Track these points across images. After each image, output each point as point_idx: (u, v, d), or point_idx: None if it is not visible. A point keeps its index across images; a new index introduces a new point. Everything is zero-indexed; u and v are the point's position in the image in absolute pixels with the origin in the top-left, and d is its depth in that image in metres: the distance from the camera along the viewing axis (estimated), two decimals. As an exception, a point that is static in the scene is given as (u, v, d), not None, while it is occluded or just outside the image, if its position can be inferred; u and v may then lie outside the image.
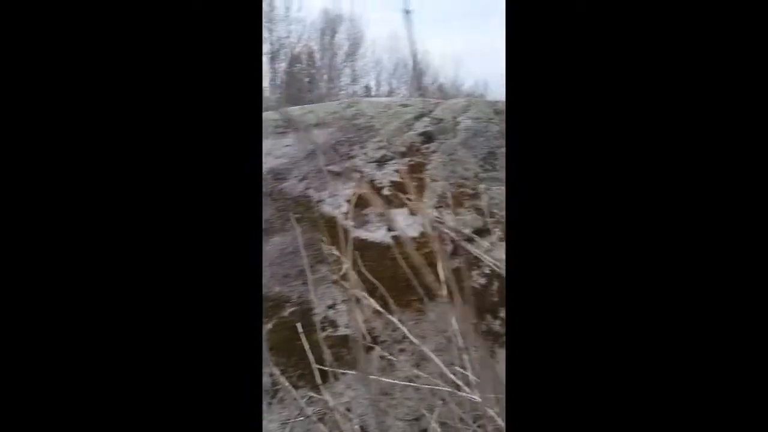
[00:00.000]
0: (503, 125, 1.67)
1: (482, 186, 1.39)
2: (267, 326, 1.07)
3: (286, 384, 0.83)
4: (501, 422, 0.75)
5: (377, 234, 1.26)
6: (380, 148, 1.53)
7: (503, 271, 1.08)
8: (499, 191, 1.38)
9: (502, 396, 0.82)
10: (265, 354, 0.94)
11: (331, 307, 1.13)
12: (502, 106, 1.82)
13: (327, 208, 1.34)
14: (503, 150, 1.55)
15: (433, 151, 1.53)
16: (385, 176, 1.43)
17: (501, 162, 1.50)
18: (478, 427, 0.73)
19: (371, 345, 0.90)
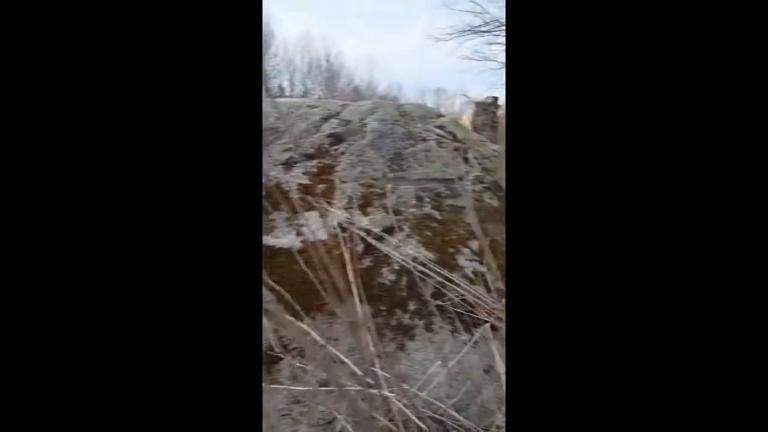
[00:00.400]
0: (409, 126, 1.74)
1: (389, 186, 1.43)
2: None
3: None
4: (410, 413, 0.77)
5: (286, 239, 1.22)
6: (286, 150, 1.49)
7: (411, 266, 1.13)
8: (406, 190, 1.44)
9: (413, 386, 0.85)
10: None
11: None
12: (408, 108, 1.89)
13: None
14: (409, 150, 1.61)
15: (342, 153, 1.53)
16: (293, 179, 1.40)
17: (407, 162, 1.56)
18: (389, 421, 0.75)
19: (279, 355, 0.87)
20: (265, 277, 1.01)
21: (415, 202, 1.41)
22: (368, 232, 1.27)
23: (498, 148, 1.94)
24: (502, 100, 5.44)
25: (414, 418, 0.75)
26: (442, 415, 0.83)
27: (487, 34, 8.97)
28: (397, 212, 1.35)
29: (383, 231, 1.31)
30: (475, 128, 5.32)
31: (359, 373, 0.81)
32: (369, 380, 0.82)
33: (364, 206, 1.36)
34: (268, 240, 1.22)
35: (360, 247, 1.22)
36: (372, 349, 0.86)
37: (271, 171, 1.40)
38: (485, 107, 5.34)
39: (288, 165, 1.44)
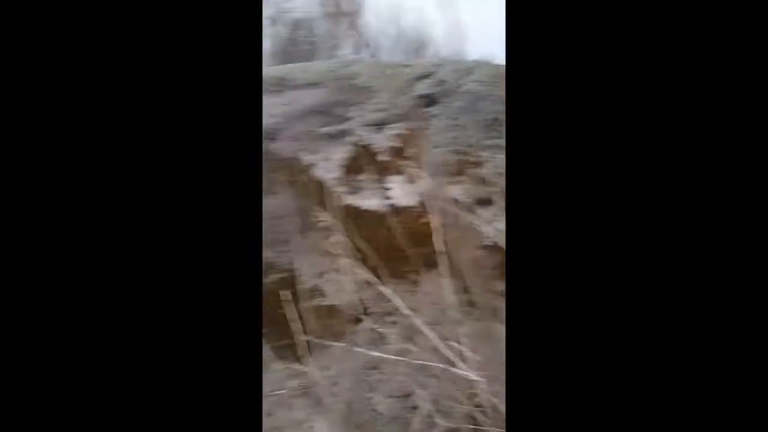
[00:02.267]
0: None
1: (485, 154, 1.30)
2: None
3: (268, 355, 0.77)
4: (497, 401, 0.69)
5: (372, 201, 1.18)
6: (378, 110, 1.43)
7: (503, 243, 1.02)
8: (503, 159, 1.30)
9: (502, 374, 0.76)
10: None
11: (319, 275, 1.06)
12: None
13: (319, 172, 1.26)
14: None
15: (435, 116, 1.43)
16: (383, 141, 1.34)
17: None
18: (475, 406, 0.68)
19: (360, 317, 0.84)
20: (352, 238, 0.98)
21: (512, 173, 1.27)
22: (457, 202, 1.18)
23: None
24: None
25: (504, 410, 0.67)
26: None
27: None
28: (491, 183, 1.23)
29: (475, 203, 1.20)
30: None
31: (443, 349, 0.75)
32: (453, 358, 0.76)
33: (456, 174, 1.26)
34: (354, 200, 1.19)
35: (448, 218, 1.14)
36: (459, 324, 0.78)
37: (362, 131, 1.36)
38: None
39: (378, 126, 1.38)
